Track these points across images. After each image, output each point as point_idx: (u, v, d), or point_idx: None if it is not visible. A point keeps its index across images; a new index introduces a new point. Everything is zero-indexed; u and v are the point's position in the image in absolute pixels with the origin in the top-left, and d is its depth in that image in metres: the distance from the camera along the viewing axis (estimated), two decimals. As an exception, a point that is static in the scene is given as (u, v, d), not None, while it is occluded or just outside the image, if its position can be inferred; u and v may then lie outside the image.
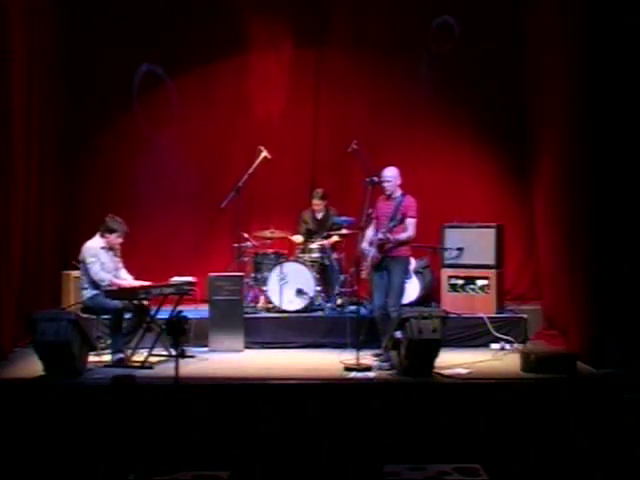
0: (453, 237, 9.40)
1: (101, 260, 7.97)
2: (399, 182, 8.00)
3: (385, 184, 7.93)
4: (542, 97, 9.19)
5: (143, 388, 5.89)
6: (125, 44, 10.12)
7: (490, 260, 9.24)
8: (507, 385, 7.07)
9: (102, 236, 8.04)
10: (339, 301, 9.20)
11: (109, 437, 6.29)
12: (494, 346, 8.55)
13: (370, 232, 8.02)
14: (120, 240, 8.11)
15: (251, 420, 6.68)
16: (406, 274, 8.14)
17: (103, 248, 8.02)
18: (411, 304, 8.89)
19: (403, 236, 7.85)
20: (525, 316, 8.91)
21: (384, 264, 7.89)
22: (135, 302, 7.97)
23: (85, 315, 7.96)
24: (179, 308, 7.85)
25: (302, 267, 9.09)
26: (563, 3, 8.42)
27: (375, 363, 7.66)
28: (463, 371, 7.38)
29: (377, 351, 7.89)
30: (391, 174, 7.96)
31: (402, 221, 7.83)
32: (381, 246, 7.84)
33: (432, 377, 7.18)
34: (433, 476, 5.51)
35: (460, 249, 9.31)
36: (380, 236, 7.80)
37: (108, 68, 10.16)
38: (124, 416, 5.62)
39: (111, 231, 8.01)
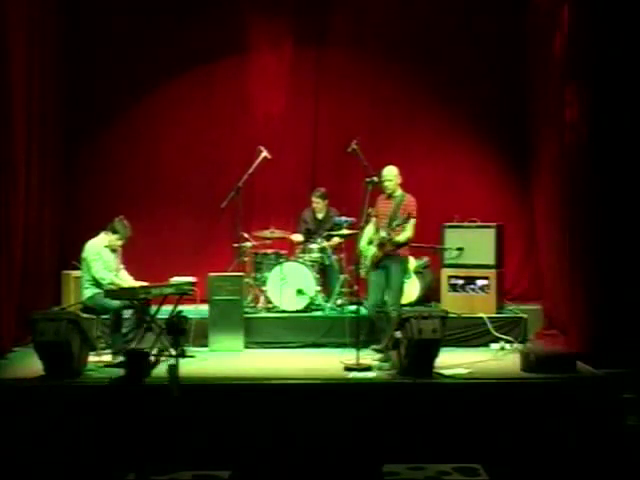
0: (453, 237, 9.40)
1: (104, 259, 8.00)
2: (399, 181, 8.02)
3: (386, 183, 7.94)
4: (542, 96, 9.19)
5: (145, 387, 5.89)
6: (125, 44, 10.13)
7: (490, 260, 9.23)
8: (507, 385, 7.07)
9: (105, 233, 8.07)
10: (339, 301, 9.20)
11: (109, 437, 6.30)
12: (494, 346, 8.55)
13: (369, 230, 8.03)
14: (120, 243, 8.14)
15: (251, 420, 6.68)
16: (405, 273, 8.16)
17: (107, 247, 8.05)
18: (411, 304, 8.90)
19: (402, 237, 7.86)
20: (525, 316, 8.91)
21: (383, 263, 7.90)
22: (135, 302, 7.97)
23: (85, 315, 7.97)
24: (179, 308, 7.85)
25: (302, 267, 9.10)
26: (564, 3, 8.42)
27: (375, 363, 7.66)
28: (463, 371, 7.38)
29: (375, 346, 7.88)
30: (392, 173, 7.97)
31: (407, 220, 7.80)
32: (381, 245, 7.85)
33: (432, 377, 7.17)
34: (433, 476, 5.51)
35: (460, 249, 9.32)
36: (383, 234, 7.80)
37: (108, 68, 10.17)
38: (125, 415, 5.61)
39: (114, 232, 8.04)
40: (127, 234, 8.12)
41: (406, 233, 7.87)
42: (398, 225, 7.78)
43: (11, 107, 8.28)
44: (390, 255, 7.88)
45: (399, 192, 8.00)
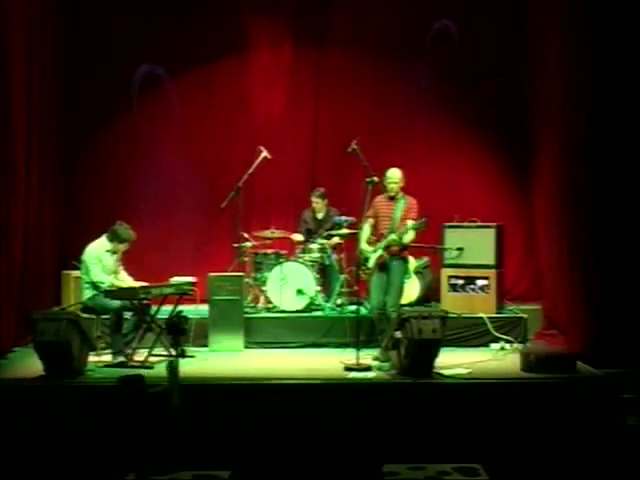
0: (453, 237, 9.40)
1: (103, 262, 7.99)
2: (403, 184, 8.02)
3: (392, 185, 7.95)
4: (543, 96, 9.19)
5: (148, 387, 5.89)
6: (125, 44, 10.14)
7: (490, 260, 9.24)
8: (507, 385, 7.07)
9: (110, 241, 8.04)
10: (339, 301, 9.20)
11: (109, 436, 6.30)
12: (494, 346, 8.55)
13: (367, 232, 8.03)
14: (126, 248, 8.14)
15: (251, 420, 6.68)
16: (405, 273, 8.16)
17: (108, 251, 8.04)
18: (411, 304, 8.90)
19: (408, 239, 7.87)
20: (525, 316, 8.91)
21: (385, 264, 7.90)
22: (135, 302, 7.97)
23: (85, 315, 7.96)
24: (179, 308, 7.85)
25: (302, 267, 9.10)
26: (564, 3, 8.42)
27: (375, 363, 7.66)
28: (463, 371, 7.38)
29: (376, 354, 7.87)
30: (397, 176, 7.98)
31: (423, 223, 7.81)
32: (388, 247, 7.85)
33: (432, 377, 7.17)
34: (433, 476, 5.51)
35: (460, 249, 9.32)
36: (393, 237, 7.81)
37: (108, 68, 10.17)
38: (125, 416, 5.61)
39: (121, 241, 8.03)
40: (133, 239, 8.11)
41: (410, 235, 7.89)
42: (419, 227, 7.77)
43: (11, 107, 8.28)
44: (391, 256, 7.89)
45: (400, 194, 8.01)
